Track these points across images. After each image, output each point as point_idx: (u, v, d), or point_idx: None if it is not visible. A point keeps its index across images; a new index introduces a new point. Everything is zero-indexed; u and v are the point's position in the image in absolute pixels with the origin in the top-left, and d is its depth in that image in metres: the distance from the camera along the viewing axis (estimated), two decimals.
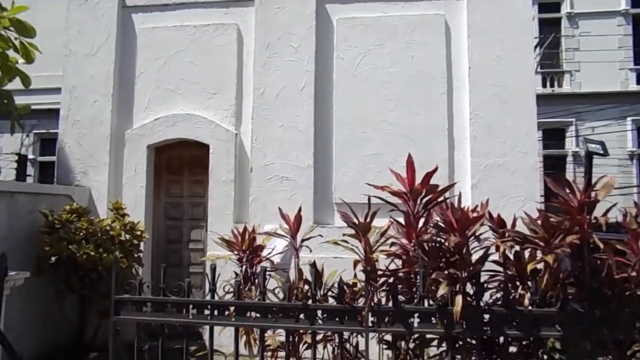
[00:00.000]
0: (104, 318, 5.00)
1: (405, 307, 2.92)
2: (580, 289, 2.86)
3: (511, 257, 3.07)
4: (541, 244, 2.88)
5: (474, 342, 2.95)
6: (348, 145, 5.94)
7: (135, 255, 5.54)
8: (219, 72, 6.31)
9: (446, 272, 2.94)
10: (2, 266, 3.42)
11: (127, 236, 5.44)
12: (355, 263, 3.23)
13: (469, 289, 2.92)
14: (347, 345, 3.31)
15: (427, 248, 3.12)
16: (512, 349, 2.97)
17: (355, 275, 3.29)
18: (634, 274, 2.74)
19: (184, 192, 6.58)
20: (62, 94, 6.56)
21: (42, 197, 5.62)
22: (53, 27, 11.74)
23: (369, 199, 3.16)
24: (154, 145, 6.39)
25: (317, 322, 3.04)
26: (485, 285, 3.02)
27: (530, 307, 2.78)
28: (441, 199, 3.11)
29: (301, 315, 3.05)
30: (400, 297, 2.96)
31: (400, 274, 3.13)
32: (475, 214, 3.08)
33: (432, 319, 2.89)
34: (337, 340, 3.20)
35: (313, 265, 3.11)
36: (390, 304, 2.96)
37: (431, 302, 2.94)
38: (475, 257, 3.03)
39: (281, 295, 3.18)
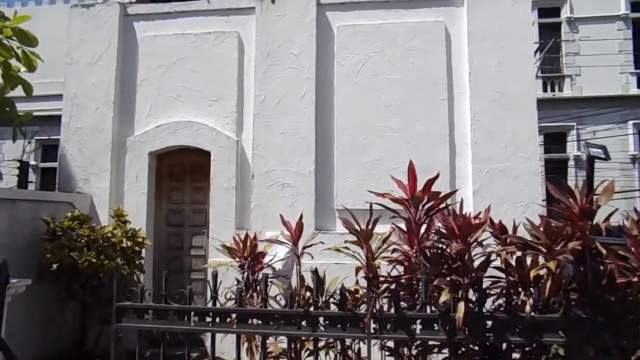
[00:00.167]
0: (106, 325, 4.99)
1: (408, 313, 2.91)
2: (582, 295, 2.86)
3: (513, 263, 3.06)
4: (543, 250, 2.87)
5: (476, 348, 2.94)
6: (349, 152, 5.95)
7: (137, 262, 5.54)
8: (220, 79, 6.33)
9: (448, 278, 2.93)
10: (4, 274, 3.43)
11: (129, 243, 5.44)
12: (357, 270, 3.23)
13: (471, 295, 2.92)
14: (349, 352, 3.30)
15: (429, 254, 3.12)
16: (515, 356, 2.96)
17: (357, 282, 3.29)
18: (635, 279, 2.73)
19: (186, 198, 6.58)
20: (64, 102, 6.58)
21: (43, 204, 5.62)
22: (55, 34, 11.81)
23: (370, 206, 3.17)
24: (155, 152, 6.40)
25: (319, 329, 3.03)
26: (488, 291, 3.01)
27: (532, 313, 2.77)
28: (443, 205, 3.11)
29: (303, 322, 3.05)
30: (403, 304, 2.96)
31: (402, 281, 3.13)
32: (477, 221, 3.07)
33: (435, 325, 2.88)
34: (339, 347, 3.19)
35: (315, 272, 3.11)
36: (393, 310, 2.95)
37: (433, 308, 2.93)
38: (477, 263, 3.03)
39: (283, 302, 3.18)
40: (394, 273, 3.23)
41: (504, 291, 2.94)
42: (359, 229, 3.16)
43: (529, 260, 3.01)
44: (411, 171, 3.13)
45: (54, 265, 4.99)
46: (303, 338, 3.23)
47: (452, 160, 5.80)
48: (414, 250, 3.09)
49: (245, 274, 3.67)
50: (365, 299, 3.04)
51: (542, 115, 6.31)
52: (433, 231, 3.17)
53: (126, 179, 6.35)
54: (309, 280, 3.24)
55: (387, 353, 3.23)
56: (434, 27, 6.02)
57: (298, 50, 6.15)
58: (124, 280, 4.76)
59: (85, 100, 6.50)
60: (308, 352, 3.26)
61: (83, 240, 5.19)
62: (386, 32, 6.07)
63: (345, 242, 3.24)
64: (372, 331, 2.95)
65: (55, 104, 9.56)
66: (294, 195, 5.91)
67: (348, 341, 3.22)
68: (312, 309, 3.06)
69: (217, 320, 3.16)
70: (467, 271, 2.92)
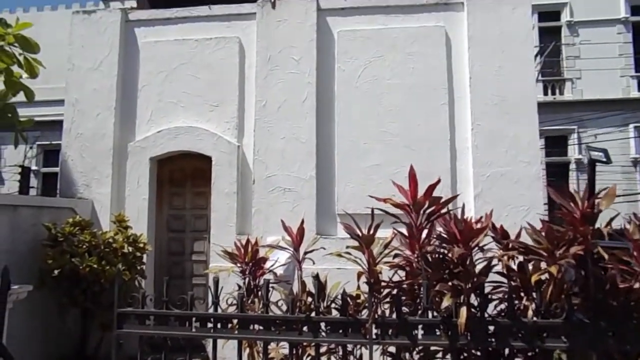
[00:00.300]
0: (107, 331, 4.99)
1: (409, 318, 2.91)
2: (585, 300, 2.85)
3: (515, 268, 3.06)
4: (545, 254, 2.87)
5: (478, 353, 2.94)
6: (350, 157, 5.95)
7: (138, 268, 5.54)
8: (221, 85, 6.35)
9: (450, 283, 2.93)
10: (5, 280, 3.43)
11: (130, 248, 5.44)
12: (359, 275, 3.23)
13: (473, 300, 2.91)
14: (351, 358, 3.29)
15: (430, 259, 3.12)
16: None
17: (358, 287, 3.28)
18: (637, 284, 2.72)
19: (187, 204, 6.58)
20: (65, 108, 6.60)
21: (45, 210, 5.63)
22: (56, 40, 11.88)
23: (372, 211, 3.17)
24: (156, 157, 6.41)
25: (321, 335, 3.02)
26: (490, 296, 3.01)
27: (535, 318, 2.76)
28: (444, 210, 3.11)
29: (304, 328, 3.04)
30: (404, 309, 2.96)
31: (404, 286, 3.13)
32: (478, 226, 3.07)
33: (437, 330, 2.88)
34: (340, 353, 3.18)
35: (316, 277, 3.10)
36: (394, 315, 2.95)
37: (435, 313, 2.93)
38: (479, 268, 3.03)
39: (284, 308, 3.17)
40: (396, 278, 3.23)
41: (506, 296, 2.94)
42: (360, 234, 3.16)
43: (530, 265, 3.00)
44: (412, 176, 3.13)
45: (55, 271, 4.99)
46: (305, 344, 3.22)
47: (453, 164, 5.80)
48: (416, 255, 3.09)
49: (247, 279, 3.66)
50: (367, 304, 3.03)
51: (542, 118, 6.31)
52: (434, 236, 3.17)
53: (127, 184, 6.36)
54: (310, 286, 3.24)
55: (389, 359, 3.22)
56: (434, 31, 6.03)
57: (299, 56, 6.16)
58: (125, 286, 4.76)
59: (87, 105, 6.52)
60: (310, 357, 3.25)
61: (84, 246, 5.19)
62: (386, 37, 6.08)
63: (347, 247, 3.23)
64: (374, 337, 2.94)
65: (57, 109, 9.60)
66: (295, 200, 5.91)
67: (350, 347, 3.21)
68: (313, 314, 3.05)
69: (219, 326, 3.15)
70: (469, 276, 2.91)
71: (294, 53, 6.18)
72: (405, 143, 5.84)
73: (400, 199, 3.17)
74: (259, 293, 3.42)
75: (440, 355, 3.09)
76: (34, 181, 16.60)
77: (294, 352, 3.21)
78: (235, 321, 3.15)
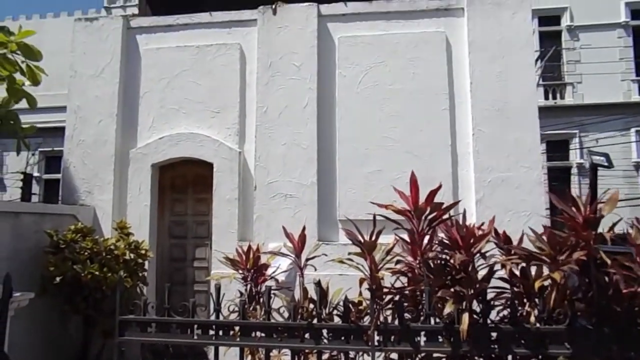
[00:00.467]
0: (108, 338, 4.96)
1: (412, 325, 2.90)
2: (588, 306, 2.83)
3: (518, 273, 3.05)
4: (547, 260, 2.86)
5: None
6: (351, 162, 5.95)
7: (140, 275, 5.52)
8: (222, 91, 6.36)
9: (452, 289, 2.92)
10: (7, 287, 3.43)
11: (132, 255, 5.43)
12: (361, 281, 3.22)
13: (476, 306, 2.90)
14: None
15: (432, 266, 3.11)
16: None
17: (360, 293, 3.27)
18: None
19: (188, 210, 6.58)
20: (67, 115, 6.62)
21: (47, 217, 5.63)
22: (58, 47, 11.96)
23: (374, 217, 3.16)
24: (158, 164, 6.42)
25: (323, 342, 3.02)
26: (492, 302, 3.00)
27: (538, 325, 2.75)
28: (446, 216, 3.11)
29: (306, 335, 3.04)
30: (406, 315, 2.95)
31: (406, 292, 3.12)
32: (480, 231, 3.07)
33: (439, 337, 2.87)
34: None
35: (318, 283, 3.10)
36: (397, 322, 2.94)
37: (437, 320, 2.92)
38: (481, 274, 3.02)
39: (286, 315, 3.16)
40: (398, 284, 3.22)
41: (508, 302, 2.93)
42: (362, 240, 3.16)
43: (533, 270, 2.99)
44: (413, 182, 3.13)
45: (57, 278, 4.98)
46: (306, 351, 3.21)
47: (454, 169, 5.80)
48: (418, 262, 3.08)
49: (248, 286, 3.66)
50: (369, 311, 3.02)
51: (544, 123, 6.31)
52: (436, 242, 3.16)
53: (129, 191, 6.36)
54: (312, 292, 3.24)
55: None
56: (435, 37, 6.05)
57: (300, 62, 6.18)
58: (126, 293, 4.74)
59: (89, 112, 6.54)
60: None
61: (86, 253, 5.18)
62: (387, 43, 6.10)
63: (349, 253, 3.23)
64: (376, 343, 2.94)
65: (59, 115, 9.63)
66: (297, 206, 5.91)
67: (352, 354, 3.19)
68: (315, 321, 3.05)
69: (220, 333, 3.15)
70: (471, 282, 2.91)
71: (295, 59, 6.20)
72: (407, 148, 5.84)
73: (401, 204, 3.17)
74: (261, 300, 3.41)
75: None
76: (36, 188, 16.64)
77: (296, 359, 3.20)
78: (237, 328, 3.15)
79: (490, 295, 2.97)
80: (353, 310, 3.12)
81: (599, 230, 2.89)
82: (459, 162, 5.84)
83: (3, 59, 4.35)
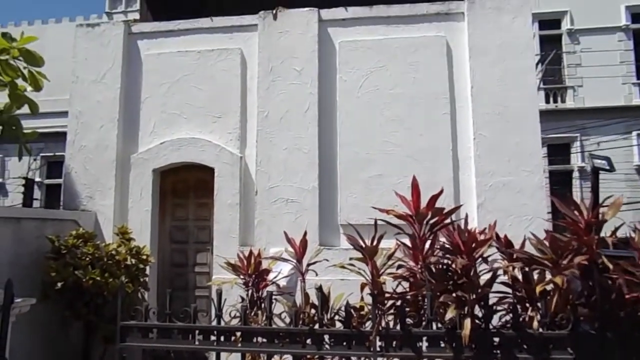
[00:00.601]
0: (110, 344, 4.95)
1: (414, 330, 2.89)
2: (591, 310, 2.82)
3: (520, 278, 3.04)
4: (549, 265, 2.85)
5: None
6: (352, 167, 5.95)
7: (141, 280, 5.51)
8: (223, 96, 6.37)
9: (454, 294, 2.91)
10: (9, 293, 3.42)
11: (133, 260, 5.42)
12: (363, 286, 3.21)
13: (478, 311, 2.89)
14: None
15: (434, 270, 3.10)
16: None
17: (362, 298, 3.26)
18: None
19: (189, 215, 6.58)
20: (69, 120, 6.63)
21: (48, 222, 5.63)
22: (60, 53, 12.00)
23: (375, 222, 3.16)
24: (159, 169, 6.42)
25: (325, 347, 3.01)
26: (494, 307, 2.98)
27: (540, 330, 2.74)
28: (447, 221, 3.10)
29: (308, 340, 3.03)
30: (408, 321, 2.93)
31: (408, 297, 3.11)
32: (482, 236, 3.06)
33: (441, 342, 2.86)
34: None
35: (319, 289, 3.10)
36: (398, 327, 2.93)
37: (439, 325, 2.91)
38: (483, 279, 3.01)
39: (288, 320, 3.16)
40: (400, 289, 3.22)
41: (510, 307, 2.91)
42: (363, 245, 3.15)
43: (535, 275, 2.98)
44: (415, 187, 3.13)
45: (59, 284, 4.97)
46: (308, 356, 3.20)
47: (455, 174, 5.79)
48: (419, 267, 3.08)
49: (250, 291, 3.66)
50: (370, 316, 3.01)
51: (545, 126, 6.30)
52: (438, 247, 3.16)
53: (130, 196, 6.37)
54: (313, 297, 3.23)
55: None
56: (435, 41, 6.06)
57: (300, 66, 6.19)
58: (128, 298, 4.73)
59: (90, 118, 6.55)
60: None
61: (87, 258, 5.17)
62: (387, 47, 6.11)
63: (350, 258, 3.23)
64: (378, 349, 2.93)
65: (61, 121, 9.67)
66: (298, 211, 5.90)
67: (354, 359, 3.18)
68: (317, 326, 3.04)
69: (222, 338, 3.14)
70: (473, 287, 2.90)
71: (295, 64, 6.21)
72: (408, 153, 5.83)
73: (403, 209, 3.16)
74: (262, 305, 3.41)
75: None
76: (37, 193, 16.67)
77: None
78: (238, 334, 3.14)
79: (492, 300, 2.96)
80: (355, 315, 3.11)
81: (601, 234, 2.89)
82: (460, 166, 5.83)
83: (5, 65, 4.36)
